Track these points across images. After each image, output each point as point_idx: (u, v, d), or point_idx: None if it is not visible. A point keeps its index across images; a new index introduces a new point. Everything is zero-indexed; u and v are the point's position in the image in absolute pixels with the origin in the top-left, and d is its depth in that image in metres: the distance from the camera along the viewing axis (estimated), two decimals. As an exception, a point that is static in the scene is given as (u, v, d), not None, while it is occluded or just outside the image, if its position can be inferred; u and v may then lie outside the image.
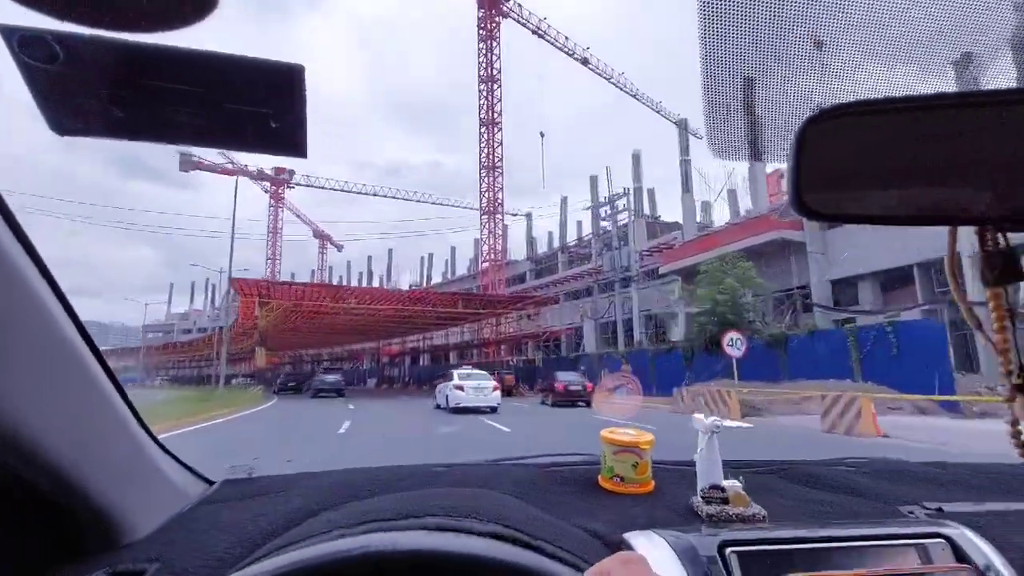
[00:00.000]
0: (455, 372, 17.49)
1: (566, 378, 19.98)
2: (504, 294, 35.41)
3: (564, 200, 46.07)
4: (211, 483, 1.00)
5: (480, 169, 37.73)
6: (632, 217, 32.24)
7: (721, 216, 38.74)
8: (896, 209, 0.49)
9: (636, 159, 34.92)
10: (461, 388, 15.97)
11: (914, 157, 0.47)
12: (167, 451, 0.89)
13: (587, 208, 38.26)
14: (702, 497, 0.83)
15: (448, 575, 0.42)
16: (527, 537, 0.56)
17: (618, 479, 0.94)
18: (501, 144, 37.50)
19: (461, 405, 15.53)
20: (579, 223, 46.23)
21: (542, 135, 44.51)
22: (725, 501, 0.82)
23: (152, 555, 0.68)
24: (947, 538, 0.66)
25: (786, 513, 0.83)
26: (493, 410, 15.65)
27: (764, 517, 0.79)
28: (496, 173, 37.36)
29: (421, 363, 48.29)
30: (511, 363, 35.03)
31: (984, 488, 0.99)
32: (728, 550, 0.63)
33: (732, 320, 19.41)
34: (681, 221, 32.41)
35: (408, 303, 29.14)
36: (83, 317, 0.66)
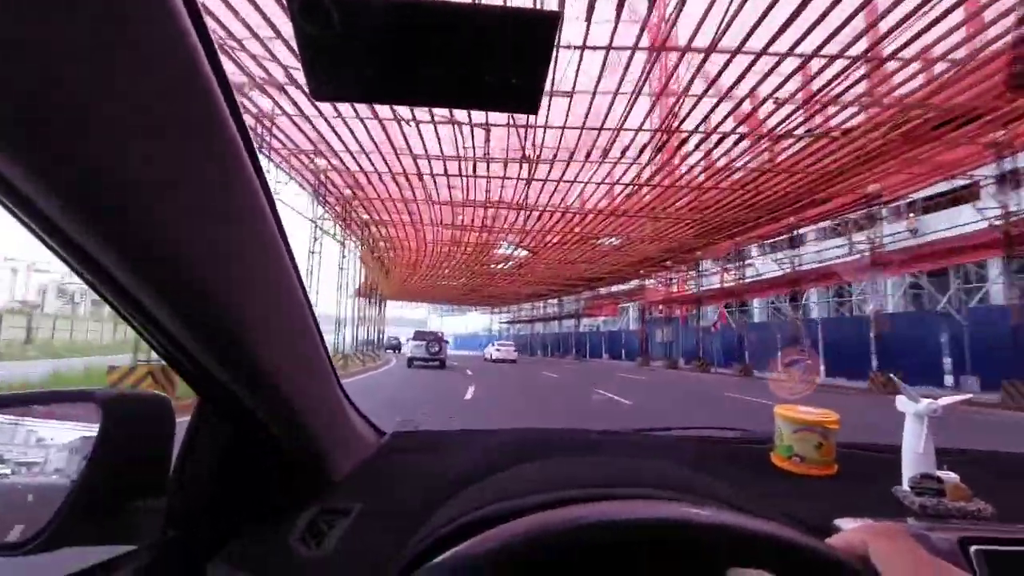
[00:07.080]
0: (493, 342, 33.85)
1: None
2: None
3: None
4: (382, 433, 1.08)
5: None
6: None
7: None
8: None
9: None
10: (498, 349, 30.10)
11: None
12: (351, 401, 0.97)
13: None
14: (911, 487, 0.75)
15: (701, 546, 0.40)
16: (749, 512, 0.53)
17: (798, 459, 0.88)
18: None
19: (495, 358, 29.06)
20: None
21: None
22: (941, 493, 0.73)
23: (353, 497, 0.74)
24: None
25: (1016, 512, 0.72)
26: (513, 362, 28.51)
27: (993, 515, 0.69)
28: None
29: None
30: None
31: None
32: (973, 548, 0.56)
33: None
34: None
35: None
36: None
